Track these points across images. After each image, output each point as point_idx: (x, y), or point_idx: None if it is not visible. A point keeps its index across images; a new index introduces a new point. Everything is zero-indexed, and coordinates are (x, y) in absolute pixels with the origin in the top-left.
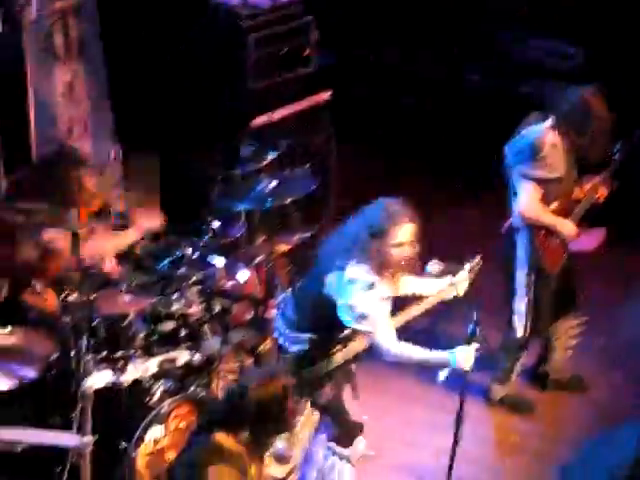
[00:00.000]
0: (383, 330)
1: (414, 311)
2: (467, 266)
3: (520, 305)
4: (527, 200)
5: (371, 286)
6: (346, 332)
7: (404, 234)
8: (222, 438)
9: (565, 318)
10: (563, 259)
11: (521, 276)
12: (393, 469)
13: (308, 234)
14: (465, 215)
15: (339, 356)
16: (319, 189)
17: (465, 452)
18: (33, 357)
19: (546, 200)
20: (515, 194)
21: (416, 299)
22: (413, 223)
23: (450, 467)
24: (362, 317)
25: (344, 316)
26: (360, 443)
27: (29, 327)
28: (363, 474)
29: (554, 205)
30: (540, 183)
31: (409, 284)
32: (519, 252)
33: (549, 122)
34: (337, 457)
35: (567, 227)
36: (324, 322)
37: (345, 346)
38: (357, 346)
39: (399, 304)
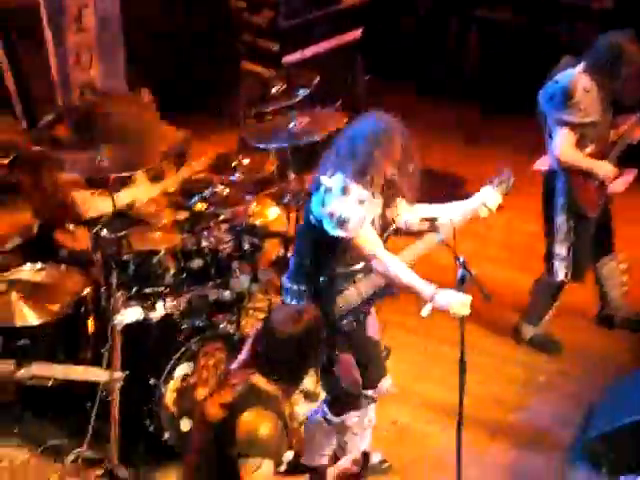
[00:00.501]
0: (367, 236)
1: (442, 233)
2: (496, 180)
3: (561, 249)
4: (562, 145)
5: (344, 190)
6: (352, 268)
7: (396, 150)
8: (258, 380)
9: (605, 260)
10: (601, 202)
11: (561, 221)
12: (421, 407)
13: None
14: (498, 153)
15: (353, 295)
16: None
17: (489, 390)
18: (64, 293)
19: (582, 144)
20: (551, 138)
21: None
22: (406, 141)
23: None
24: (341, 222)
25: (327, 227)
26: (386, 382)
27: (60, 264)
28: (389, 411)
29: (590, 149)
30: (574, 128)
31: (427, 208)
32: (558, 197)
33: (581, 67)
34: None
35: (604, 169)
36: (322, 260)
37: (354, 282)
38: (370, 283)
39: None
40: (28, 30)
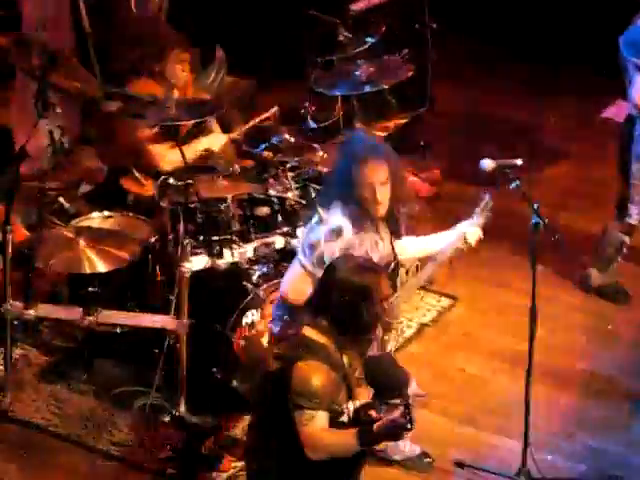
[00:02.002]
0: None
1: (428, 270)
2: (477, 210)
3: (635, 195)
4: None
5: (337, 232)
6: None
7: (371, 173)
8: (309, 331)
9: None
10: None
11: (636, 168)
12: (489, 355)
13: (405, 120)
14: (561, 102)
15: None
16: (416, 75)
17: (557, 339)
18: (131, 241)
19: None
20: (630, 85)
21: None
22: (384, 162)
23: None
24: (319, 260)
25: (300, 255)
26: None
27: (127, 211)
28: (456, 359)
29: None
30: None
31: (413, 244)
32: (636, 144)
33: None
34: None
35: None
36: None
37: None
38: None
39: None
40: None
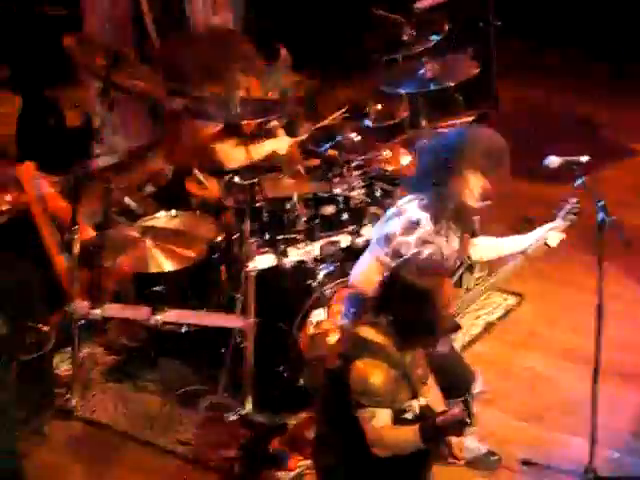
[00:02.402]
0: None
1: (507, 271)
2: (561, 213)
3: None
4: None
5: (415, 224)
6: None
7: (478, 183)
8: (366, 331)
9: None
10: None
11: None
12: (556, 354)
13: (470, 118)
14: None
15: None
16: (481, 73)
17: (624, 337)
18: (197, 240)
19: None
20: None
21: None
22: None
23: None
24: (395, 252)
25: (374, 246)
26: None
27: (193, 211)
28: (523, 358)
29: None
30: None
31: (488, 244)
32: None
33: None
34: None
35: None
36: None
37: None
38: None
39: None
40: None
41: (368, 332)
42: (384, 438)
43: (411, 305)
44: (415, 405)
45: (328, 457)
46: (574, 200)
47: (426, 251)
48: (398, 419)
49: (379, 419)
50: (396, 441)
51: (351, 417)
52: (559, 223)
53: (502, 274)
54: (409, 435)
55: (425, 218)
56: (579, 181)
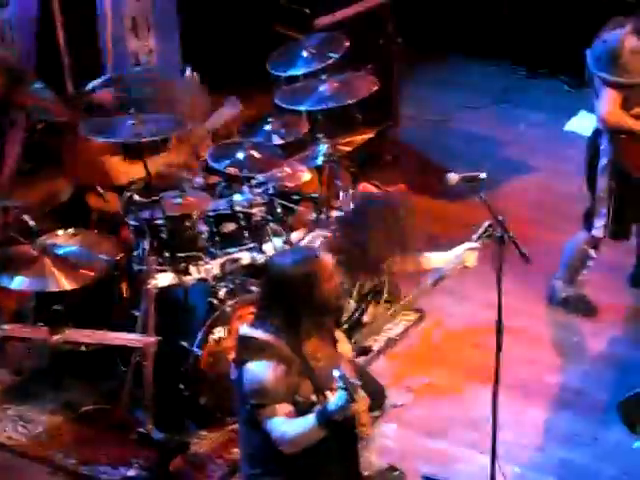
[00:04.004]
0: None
1: (422, 290)
2: (475, 236)
3: (601, 208)
4: (607, 106)
5: None
6: None
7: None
8: (244, 330)
9: None
10: None
11: (603, 181)
12: (457, 368)
13: (370, 135)
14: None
15: None
16: (382, 90)
17: (524, 352)
18: (97, 258)
19: (627, 106)
20: (597, 99)
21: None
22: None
23: (496, 376)
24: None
25: None
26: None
27: (93, 228)
28: (424, 372)
29: (635, 111)
30: (620, 89)
31: (411, 262)
32: (602, 157)
33: (629, 27)
34: None
35: None
36: None
37: None
38: None
39: None
40: None
41: (254, 332)
42: (287, 432)
43: (295, 291)
44: (330, 397)
45: (252, 466)
46: (487, 223)
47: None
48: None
49: (277, 415)
50: (297, 432)
51: (257, 422)
52: (474, 245)
53: (415, 295)
54: (307, 422)
55: None
56: (478, 197)
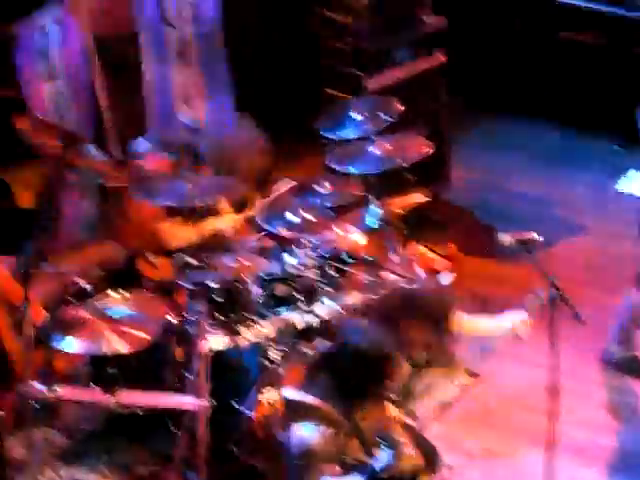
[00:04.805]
0: None
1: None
2: (527, 305)
3: None
4: None
5: None
6: None
7: None
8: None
9: None
10: None
11: None
12: (512, 432)
13: (423, 198)
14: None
15: None
16: (434, 153)
17: (581, 415)
18: (150, 321)
19: None
20: None
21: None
22: None
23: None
24: None
25: None
26: None
27: (145, 292)
28: (479, 436)
29: None
30: None
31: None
32: None
33: None
34: None
35: None
36: None
37: None
38: None
39: None
40: (126, 60)
41: (302, 395)
42: None
43: (347, 359)
44: (381, 453)
45: None
46: (539, 294)
47: None
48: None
49: (326, 476)
50: None
51: None
52: (525, 315)
53: (466, 362)
54: None
55: None
56: (530, 258)
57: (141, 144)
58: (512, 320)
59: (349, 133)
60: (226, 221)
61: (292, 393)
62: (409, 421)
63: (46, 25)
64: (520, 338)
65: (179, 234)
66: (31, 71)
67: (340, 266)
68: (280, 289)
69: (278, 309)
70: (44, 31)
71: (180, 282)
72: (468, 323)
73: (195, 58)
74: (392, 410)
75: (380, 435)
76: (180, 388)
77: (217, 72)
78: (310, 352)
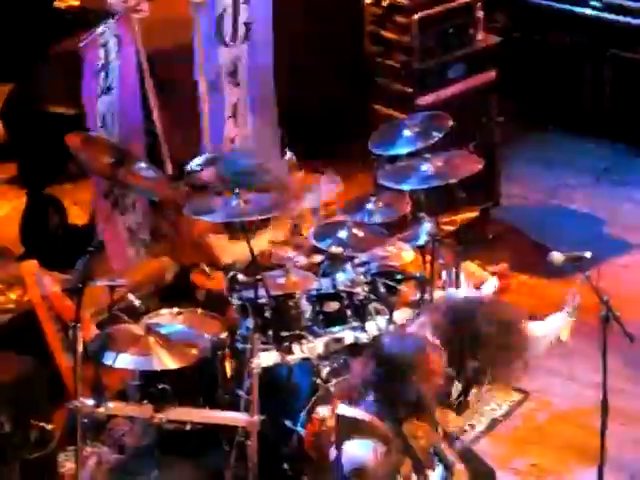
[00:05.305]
0: None
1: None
2: (566, 308)
3: None
4: None
5: None
6: None
7: None
8: (350, 411)
9: None
10: None
11: None
12: (561, 449)
13: (473, 214)
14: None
15: None
16: (484, 169)
17: (633, 434)
18: (201, 337)
19: None
20: None
21: None
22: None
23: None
24: None
25: None
26: None
27: (197, 307)
28: (529, 453)
29: None
30: None
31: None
32: None
33: None
34: None
35: None
36: None
37: None
38: None
39: None
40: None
41: (354, 412)
42: None
43: (395, 378)
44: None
45: None
46: (576, 294)
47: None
48: None
49: None
50: None
51: None
52: (566, 318)
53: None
54: None
55: None
56: (582, 277)
57: (194, 161)
58: (555, 324)
59: (400, 150)
60: (276, 237)
61: (344, 409)
62: (461, 438)
63: (108, 39)
64: (562, 342)
65: (231, 250)
66: (91, 86)
67: (390, 283)
68: (330, 306)
69: (328, 326)
70: (106, 45)
71: (231, 298)
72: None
73: (245, 76)
74: (443, 427)
75: (432, 453)
76: (231, 404)
77: (264, 90)
78: (360, 368)
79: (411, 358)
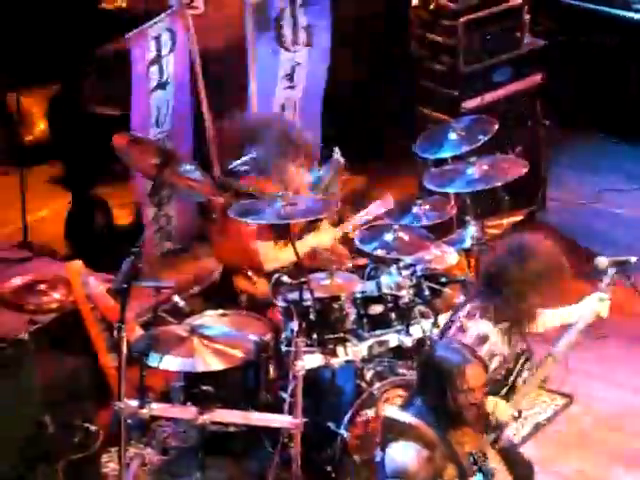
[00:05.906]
0: None
1: (564, 342)
2: (603, 285)
3: None
4: None
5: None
6: None
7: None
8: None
9: None
10: None
11: None
12: (611, 456)
13: (518, 218)
14: None
15: None
16: (529, 173)
17: None
18: (245, 339)
19: None
20: None
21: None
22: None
23: None
24: None
25: None
26: None
27: (241, 309)
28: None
29: None
30: None
31: (546, 319)
32: None
33: None
34: None
35: None
36: None
37: None
38: None
39: None
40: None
41: (400, 415)
42: None
43: (434, 384)
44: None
45: None
46: (613, 270)
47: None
48: None
49: None
50: None
51: None
52: (604, 294)
53: (559, 352)
54: None
55: (493, 333)
56: (628, 282)
57: (242, 163)
58: (591, 302)
59: (446, 153)
60: (323, 240)
61: (390, 411)
62: (504, 444)
63: (160, 34)
64: (601, 319)
65: (275, 256)
66: (141, 79)
67: (435, 286)
68: (375, 309)
69: (372, 329)
70: (158, 38)
71: (276, 300)
72: (550, 317)
73: (302, 80)
74: (488, 435)
75: (475, 459)
76: (275, 406)
77: (315, 92)
78: (405, 372)
79: (455, 368)
